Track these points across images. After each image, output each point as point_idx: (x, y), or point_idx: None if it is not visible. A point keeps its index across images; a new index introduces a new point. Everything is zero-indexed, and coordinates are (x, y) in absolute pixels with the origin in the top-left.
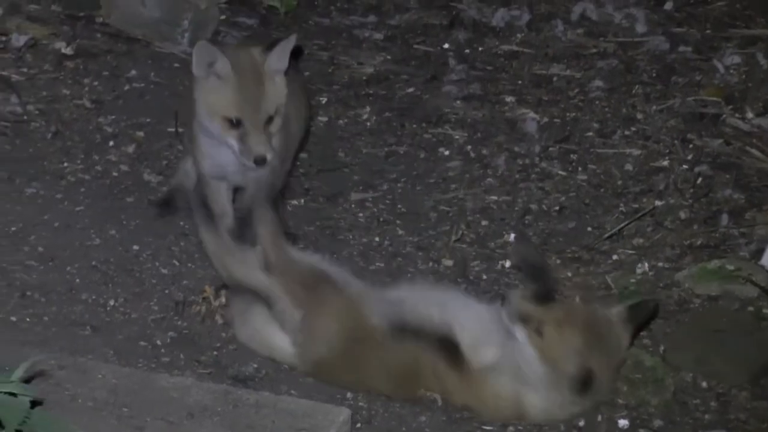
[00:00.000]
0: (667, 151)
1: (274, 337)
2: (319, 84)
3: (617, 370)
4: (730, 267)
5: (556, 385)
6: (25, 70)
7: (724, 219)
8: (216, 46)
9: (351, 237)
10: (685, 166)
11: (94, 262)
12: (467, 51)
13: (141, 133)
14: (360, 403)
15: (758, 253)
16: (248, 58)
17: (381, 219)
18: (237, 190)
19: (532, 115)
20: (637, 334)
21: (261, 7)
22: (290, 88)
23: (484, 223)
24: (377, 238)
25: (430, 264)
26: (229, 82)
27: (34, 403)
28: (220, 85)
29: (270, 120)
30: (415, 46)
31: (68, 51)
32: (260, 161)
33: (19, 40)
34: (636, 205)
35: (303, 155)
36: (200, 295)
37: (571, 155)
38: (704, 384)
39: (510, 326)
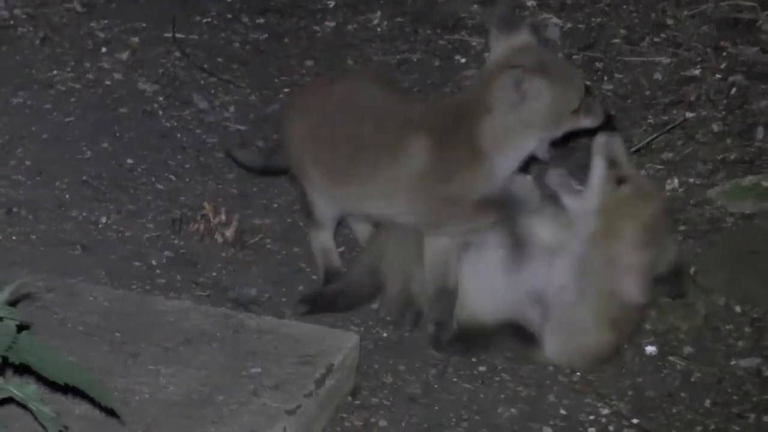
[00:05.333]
0: (699, 59)
1: None
2: None
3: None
4: (766, 183)
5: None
6: None
7: (760, 132)
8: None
9: None
10: (718, 76)
11: (85, 177)
12: None
13: (136, 39)
14: (371, 329)
15: None
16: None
17: None
18: None
19: (554, 20)
20: None
21: None
22: None
23: None
24: None
25: None
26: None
27: (21, 328)
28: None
29: None
30: None
31: None
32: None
33: None
34: (665, 117)
35: (309, 63)
36: (199, 212)
37: (597, 63)
38: (737, 308)
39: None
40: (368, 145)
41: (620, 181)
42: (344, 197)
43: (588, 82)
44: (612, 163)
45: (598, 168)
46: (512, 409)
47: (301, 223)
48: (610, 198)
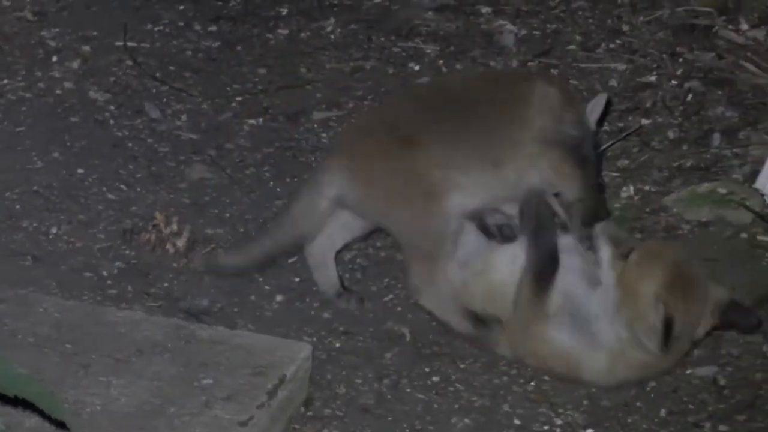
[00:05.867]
0: (655, 65)
1: None
2: None
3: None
4: (723, 190)
5: (629, 325)
6: None
7: (716, 139)
8: None
9: (313, 159)
10: (674, 82)
11: (35, 187)
12: None
13: (87, 48)
14: (324, 339)
15: (752, 176)
16: None
17: None
18: None
19: (509, 26)
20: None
21: None
22: None
23: None
24: None
25: None
26: None
27: None
28: None
29: None
30: None
31: None
32: None
33: None
34: (621, 124)
35: (262, 71)
36: (150, 222)
37: (552, 70)
38: None
39: (594, 242)
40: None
41: (625, 255)
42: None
43: None
44: (615, 242)
45: (603, 251)
46: (466, 419)
47: (254, 233)
48: (622, 271)
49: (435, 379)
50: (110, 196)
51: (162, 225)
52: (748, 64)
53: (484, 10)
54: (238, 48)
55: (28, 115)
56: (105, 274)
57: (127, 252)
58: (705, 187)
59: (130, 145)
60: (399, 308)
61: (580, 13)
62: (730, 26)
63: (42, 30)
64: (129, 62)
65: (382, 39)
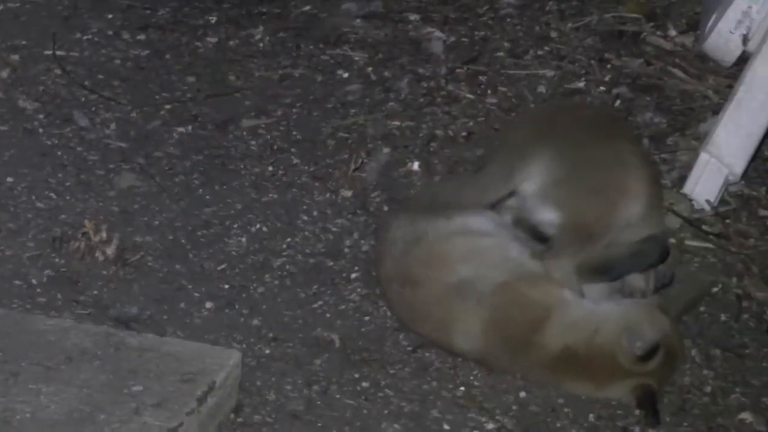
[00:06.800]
0: (583, 71)
1: None
2: (207, 2)
3: None
4: None
5: None
6: None
7: (645, 144)
8: None
9: (242, 166)
10: (602, 88)
11: None
12: None
13: (16, 57)
14: (253, 346)
15: (681, 181)
16: None
17: (275, 147)
18: None
19: (437, 34)
20: None
21: None
22: None
23: (386, 150)
24: (270, 168)
25: (328, 195)
26: None
27: None
28: None
29: None
30: None
31: None
32: None
33: None
34: None
35: (191, 79)
36: (79, 231)
37: (480, 77)
38: None
39: None
40: None
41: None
42: None
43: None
44: None
45: None
46: (396, 425)
47: (183, 240)
48: None
49: (364, 384)
50: (39, 205)
51: (91, 233)
52: (676, 70)
53: (413, 17)
54: (167, 56)
55: None
56: (34, 282)
57: (57, 260)
58: None
59: (59, 153)
60: (328, 315)
61: (508, 20)
62: (658, 32)
63: None
64: (58, 71)
65: (311, 47)
